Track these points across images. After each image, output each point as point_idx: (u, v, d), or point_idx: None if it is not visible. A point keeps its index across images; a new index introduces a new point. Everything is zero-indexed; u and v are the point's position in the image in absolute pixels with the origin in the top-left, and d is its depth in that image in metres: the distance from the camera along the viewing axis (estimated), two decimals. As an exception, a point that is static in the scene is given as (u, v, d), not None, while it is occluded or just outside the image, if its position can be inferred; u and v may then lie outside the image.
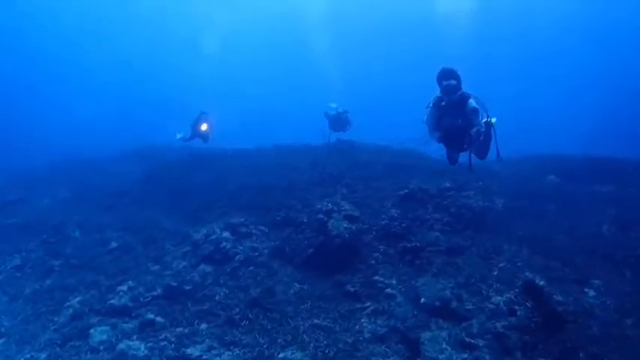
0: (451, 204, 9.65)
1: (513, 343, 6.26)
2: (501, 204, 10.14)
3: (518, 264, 7.93)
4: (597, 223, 9.73)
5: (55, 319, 7.76)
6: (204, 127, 13.73)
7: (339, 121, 14.79)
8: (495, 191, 10.83)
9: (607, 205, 10.54)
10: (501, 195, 10.66)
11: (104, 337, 7.07)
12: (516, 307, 6.71)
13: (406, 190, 10.16)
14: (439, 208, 9.62)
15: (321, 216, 9.18)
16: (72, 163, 19.09)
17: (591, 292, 7.27)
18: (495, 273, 7.65)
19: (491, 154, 6.51)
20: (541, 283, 6.79)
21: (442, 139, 6.57)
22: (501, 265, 7.92)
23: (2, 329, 7.77)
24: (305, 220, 9.74)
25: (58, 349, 6.98)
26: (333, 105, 14.97)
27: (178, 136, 14.85)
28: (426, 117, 6.91)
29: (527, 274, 7.27)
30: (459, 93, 6.30)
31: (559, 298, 6.63)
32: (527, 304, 6.71)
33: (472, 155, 6.61)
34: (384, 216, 9.50)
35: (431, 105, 6.58)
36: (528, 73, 50.93)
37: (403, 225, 9.09)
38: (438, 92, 6.50)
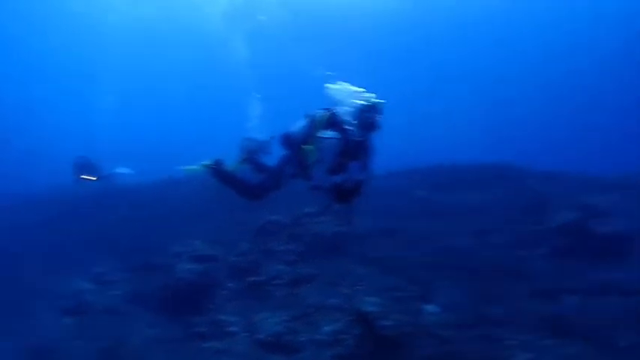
0: (305, 232, 9.27)
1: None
2: (360, 226, 9.89)
3: (361, 288, 7.65)
4: (455, 235, 9.67)
5: None
6: None
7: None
8: (357, 211, 10.59)
9: (467, 215, 10.58)
10: (363, 215, 10.43)
11: None
12: (343, 337, 6.41)
13: (260, 222, 9.73)
14: (292, 238, 9.23)
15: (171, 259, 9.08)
16: None
17: (433, 309, 7.08)
18: (333, 301, 7.32)
19: None
20: (371, 308, 6.49)
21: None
22: (345, 291, 7.61)
23: None
24: (159, 264, 9.46)
25: None
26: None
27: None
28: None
29: (365, 298, 6.98)
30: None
31: (389, 322, 6.35)
32: (355, 331, 6.39)
33: None
34: (234, 252, 9.03)
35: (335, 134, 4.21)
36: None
37: (251, 259, 8.66)
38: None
